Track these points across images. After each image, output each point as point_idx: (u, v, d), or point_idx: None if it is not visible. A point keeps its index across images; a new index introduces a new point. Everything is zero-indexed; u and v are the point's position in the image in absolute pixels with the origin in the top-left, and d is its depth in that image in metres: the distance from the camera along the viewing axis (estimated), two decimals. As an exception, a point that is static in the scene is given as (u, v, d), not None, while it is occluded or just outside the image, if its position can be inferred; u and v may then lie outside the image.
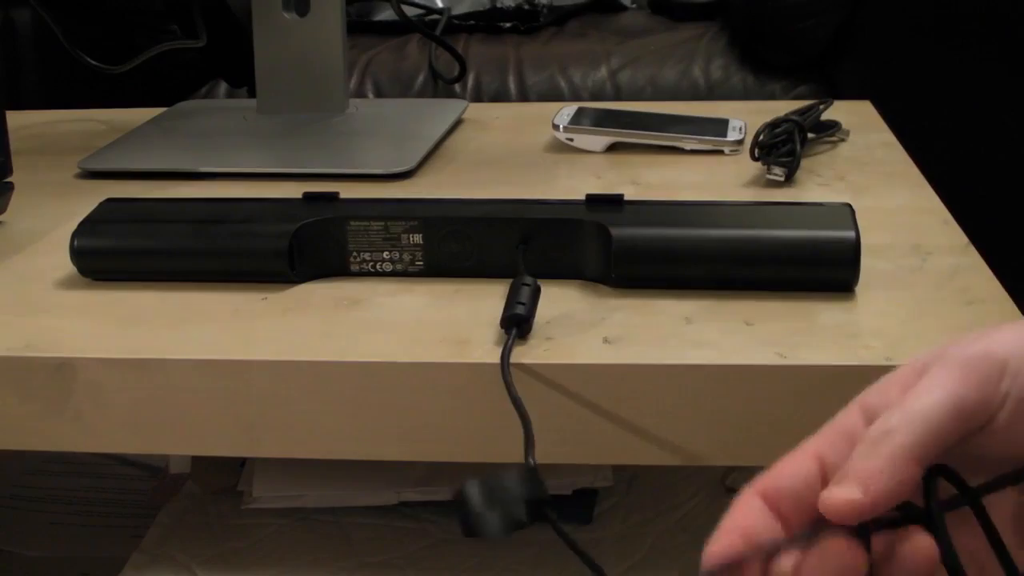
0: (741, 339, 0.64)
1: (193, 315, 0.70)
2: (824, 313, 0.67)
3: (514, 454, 0.64)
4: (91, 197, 0.80)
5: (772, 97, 1.63)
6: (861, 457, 0.40)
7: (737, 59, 1.70)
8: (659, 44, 1.74)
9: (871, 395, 0.43)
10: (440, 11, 1.79)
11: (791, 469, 0.42)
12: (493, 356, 0.64)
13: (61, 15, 1.14)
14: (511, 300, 0.65)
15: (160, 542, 0.92)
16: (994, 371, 0.41)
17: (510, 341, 0.62)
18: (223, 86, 1.77)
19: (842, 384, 0.61)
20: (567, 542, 0.45)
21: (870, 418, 0.42)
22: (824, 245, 0.69)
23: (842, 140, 1.00)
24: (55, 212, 0.86)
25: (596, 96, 1.66)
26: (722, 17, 1.80)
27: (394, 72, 1.71)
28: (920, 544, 0.40)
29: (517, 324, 0.64)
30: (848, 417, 0.43)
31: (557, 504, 0.57)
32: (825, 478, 0.42)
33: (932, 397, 0.40)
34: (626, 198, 0.74)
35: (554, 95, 1.67)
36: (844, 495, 0.39)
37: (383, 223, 0.74)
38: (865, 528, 0.40)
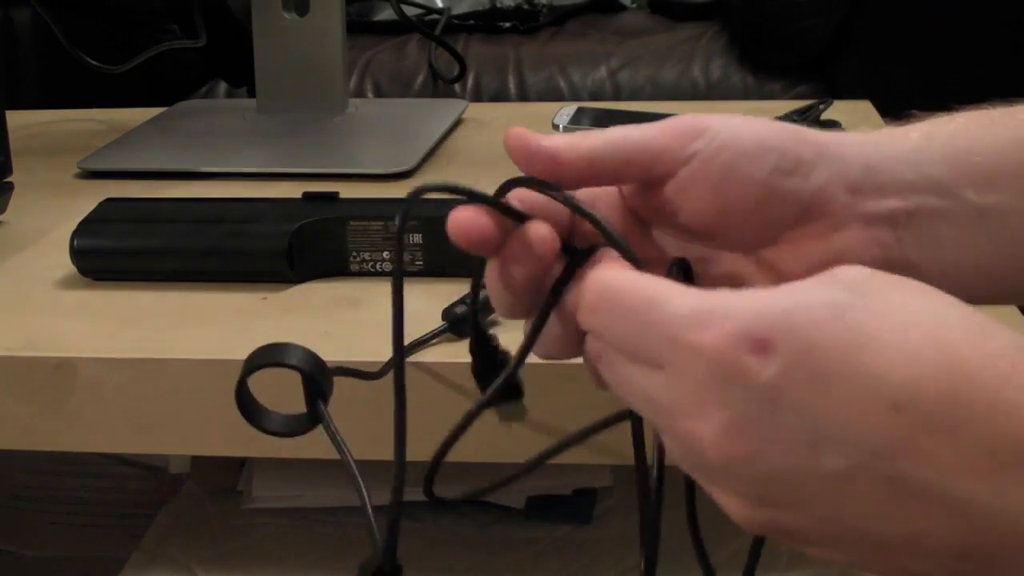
0: (741, 339, 0.64)
1: (193, 315, 0.70)
2: (824, 313, 0.67)
3: (515, 454, 0.64)
4: (91, 197, 0.80)
5: (772, 97, 1.64)
6: (560, 136, 0.49)
7: (737, 59, 1.70)
8: (659, 44, 1.74)
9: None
10: (440, 11, 1.79)
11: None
12: (493, 356, 0.64)
13: (61, 15, 1.14)
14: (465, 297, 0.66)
15: (160, 542, 0.92)
16: (692, 131, 0.46)
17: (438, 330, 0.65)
18: (223, 86, 1.77)
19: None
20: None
21: None
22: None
23: (842, 140, 1.00)
24: (55, 212, 0.86)
25: (596, 96, 1.66)
26: (722, 17, 1.80)
27: (394, 72, 1.71)
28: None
29: (452, 321, 0.66)
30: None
31: (557, 504, 0.58)
32: None
33: (631, 129, 0.48)
34: (626, 198, 0.75)
35: (554, 95, 1.67)
36: (523, 136, 0.50)
37: (383, 223, 0.74)
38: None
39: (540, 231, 0.46)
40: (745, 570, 0.51)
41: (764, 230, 0.47)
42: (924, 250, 0.48)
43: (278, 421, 0.54)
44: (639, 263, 0.44)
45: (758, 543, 0.50)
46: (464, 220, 0.47)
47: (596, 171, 0.48)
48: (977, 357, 0.37)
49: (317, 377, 0.53)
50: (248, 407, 0.53)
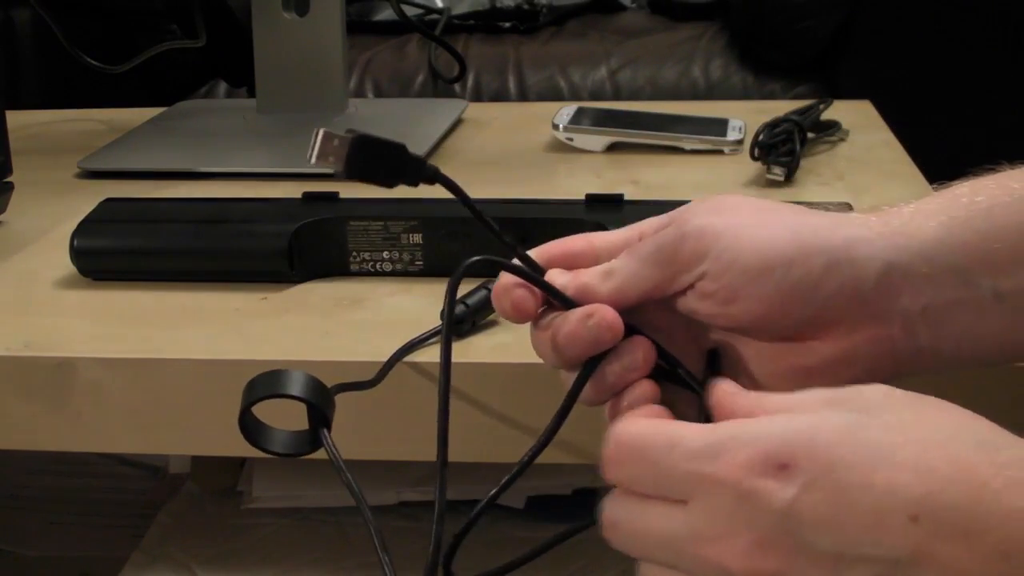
0: (741, 339, 0.64)
1: (193, 315, 0.70)
2: (824, 313, 0.67)
3: (514, 454, 0.64)
4: (91, 197, 0.80)
5: (772, 97, 1.63)
6: (588, 272, 0.51)
7: (737, 59, 1.70)
8: (659, 44, 1.74)
9: (652, 223, 0.52)
10: (440, 11, 1.79)
11: (571, 243, 0.54)
12: (493, 355, 0.64)
13: (61, 15, 1.14)
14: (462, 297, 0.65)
15: (160, 542, 0.92)
16: (697, 253, 0.49)
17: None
18: (223, 86, 1.77)
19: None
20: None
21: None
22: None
23: (842, 140, 1.00)
24: (55, 212, 0.86)
25: (596, 96, 1.66)
26: (722, 17, 1.80)
27: (394, 72, 1.71)
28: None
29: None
30: (634, 230, 0.53)
31: (557, 504, 0.58)
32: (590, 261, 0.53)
33: (642, 265, 0.50)
34: (626, 198, 0.74)
35: (554, 95, 1.67)
36: (557, 278, 0.51)
37: (383, 223, 0.74)
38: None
39: (637, 357, 0.50)
40: None
41: (776, 332, 0.49)
42: (937, 337, 0.49)
43: (281, 442, 0.54)
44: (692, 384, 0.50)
45: None
46: (517, 299, 0.51)
47: (623, 309, 0.51)
48: (989, 468, 0.39)
49: (320, 405, 0.52)
50: (251, 431, 0.53)
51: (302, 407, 0.54)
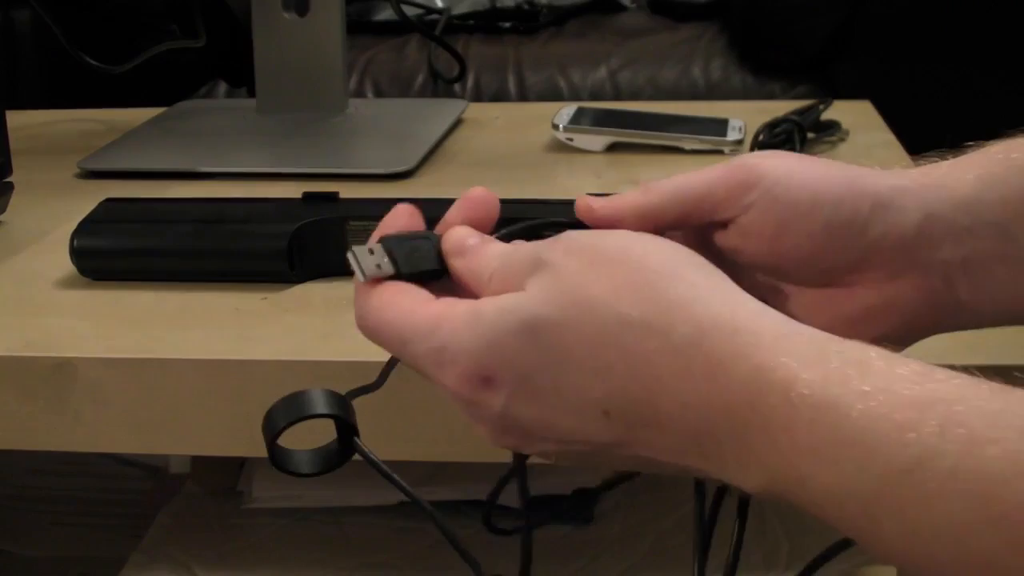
0: (741, 339, 0.64)
1: (193, 315, 0.70)
2: (824, 313, 0.67)
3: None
4: (91, 197, 0.80)
5: (772, 97, 1.63)
6: (624, 194, 0.52)
7: (737, 59, 1.70)
8: (659, 44, 1.74)
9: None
10: (440, 11, 1.79)
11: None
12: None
13: (61, 15, 1.14)
14: None
15: (160, 542, 0.92)
16: (747, 182, 0.49)
17: None
18: (223, 86, 1.77)
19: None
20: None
21: None
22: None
23: (842, 140, 1.00)
24: (55, 212, 0.86)
25: (596, 96, 1.66)
26: (722, 17, 1.80)
27: (394, 72, 1.71)
28: None
29: None
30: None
31: (557, 504, 0.58)
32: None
33: (691, 179, 0.51)
34: (626, 198, 0.74)
35: (554, 95, 1.67)
36: (587, 200, 0.53)
37: (383, 223, 0.74)
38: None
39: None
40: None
41: (820, 275, 0.49)
42: (976, 291, 0.49)
43: (312, 462, 0.53)
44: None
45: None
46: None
47: (657, 226, 0.50)
48: (661, 359, 0.41)
49: (346, 417, 0.52)
50: (280, 460, 0.52)
51: (312, 423, 0.53)
